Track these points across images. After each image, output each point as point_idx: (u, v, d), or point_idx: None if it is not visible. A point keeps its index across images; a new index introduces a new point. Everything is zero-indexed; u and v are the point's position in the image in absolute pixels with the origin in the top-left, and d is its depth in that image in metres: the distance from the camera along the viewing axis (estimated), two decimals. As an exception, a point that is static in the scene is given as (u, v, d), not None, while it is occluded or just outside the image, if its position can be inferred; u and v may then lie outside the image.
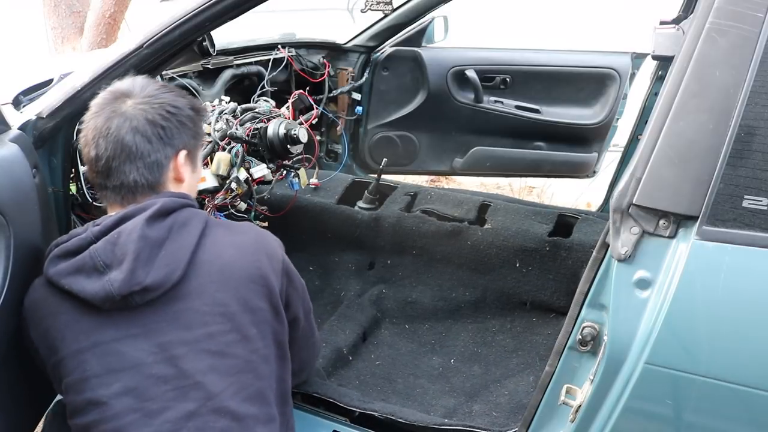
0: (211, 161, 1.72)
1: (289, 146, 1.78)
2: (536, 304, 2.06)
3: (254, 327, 1.14)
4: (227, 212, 1.80)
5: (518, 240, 2.07)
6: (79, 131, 1.52)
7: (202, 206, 1.66)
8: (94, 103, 1.15)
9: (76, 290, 1.07)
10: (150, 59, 1.39)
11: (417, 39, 2.83)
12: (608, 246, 1.08)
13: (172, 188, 1.17)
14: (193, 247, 1.10)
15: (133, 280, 1.05)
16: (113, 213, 1.12)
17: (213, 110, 1.82)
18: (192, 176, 1.22)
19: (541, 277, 2.05)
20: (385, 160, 2.40)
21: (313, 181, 2.38)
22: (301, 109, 2.13)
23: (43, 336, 1.13)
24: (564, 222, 2.19)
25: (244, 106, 1.88)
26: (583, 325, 1.14)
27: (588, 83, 2.73)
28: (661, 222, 1.03)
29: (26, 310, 1.17)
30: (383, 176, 2.44)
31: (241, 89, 2.35)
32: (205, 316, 1.10)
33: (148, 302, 1.08)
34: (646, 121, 1.08)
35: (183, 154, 1.16)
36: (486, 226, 2.15)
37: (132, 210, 1.09)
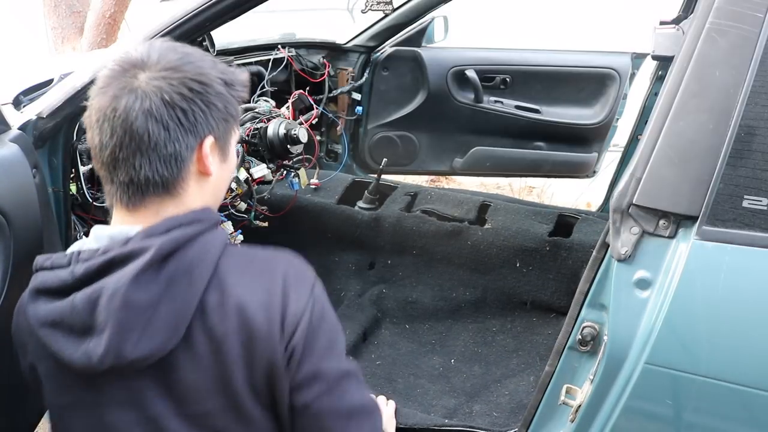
0: (211, 161, 1.72)
1: (289, 146, 1.79)
2: (536, 303, 2.06)
3: (259, 408, 0.91)
4: (227, 212, 1.80)
5: (518, 240, 2.07)
6: (80, 129, 1.53)
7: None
8: (101, 76, 0.90)
9: (55, 350, 0.88)
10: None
11: (417, 39, 2.83)
12: (608, 246, 1.08)
13: (195, 186, 0.92)
14: (194, 308, 0.86)
15: (115, 354, 0.84)
16: (110, 230, 0.90)
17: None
18: (222, 167, 0.96)
19: (542, 277, 2.05)
20: (385, 160, 2.40)
21: (314, 181, 2.38)
22: (301, 109, 2.13)
23: (30, 370, 0.99)
24: (564, 222, 2.19)
25: (244, 106, 1.88)
26: (583, 325, 1.15)
27: (588, 83, 2.73)
28: (661, 222, 1.03)
29: (14, 336, 0.99)
30: (383, 176, 2.44)
31: (241, 89, 2.34)
32: (204, 390, 0.89)
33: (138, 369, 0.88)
34: (646, 121, 1.08)
35: (209, 142, 0.90)
36: (486, 226, 2.15)
37: (119, 254, 0.85)
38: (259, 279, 0.90)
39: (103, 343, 0.84)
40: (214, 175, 0.94)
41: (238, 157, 1.70)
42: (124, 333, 0.83)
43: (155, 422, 0.90)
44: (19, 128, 1.34)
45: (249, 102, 1.98)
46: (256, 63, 2.39)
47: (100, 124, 0.87)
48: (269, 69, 2.38)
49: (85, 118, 0.92)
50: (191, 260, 0.87)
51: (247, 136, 1.76)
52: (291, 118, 1.90)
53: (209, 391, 0.89)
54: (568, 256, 2.02)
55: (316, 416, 0.91)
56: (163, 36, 1.36)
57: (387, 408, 1.41)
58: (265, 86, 2.30)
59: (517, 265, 2.07)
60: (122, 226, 0.90)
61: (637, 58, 2.71)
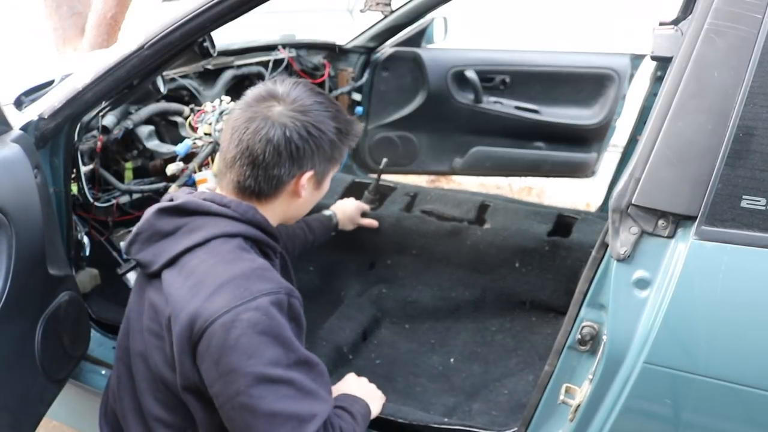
0: (212, 161, 1.72)
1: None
2: (536, 303, 2.06)
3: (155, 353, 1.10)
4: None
5: (518, 240, 2.08)
6: (83, 128, 1.54)
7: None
8: (249, 94, 1.16)
9: None
10: (151, 60, 1.39)
11: (417, 40, 2.84)
12: (607, 246, 1.08)
13: (284, 201, 1.17)
14: (176, 253, 1.09)
15: (129, 249, 1.16)
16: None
17: (213, 111, 1.83)
18: (313, 194, 1.20)
19: (541, 277, 2.05)
20: (385, 160, 2.40)
21: None
22: (301, 110, 2.13)
23: None
24: (563, 222, 2.20)
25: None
26: (583, 324, 1.15)
27: (587, 84, 2.74)
28: (660, 222, 1.03)
29: None
30: (383, 176, 2.45)
31: (242, 90, 2.30)
32: (154, 313, 1.11)
33: (149, 275, 1.13)
34: (645, 121, 1.09)
35: (308, 174, 1.14)
36: (485, 226, 2.16)
37: (170, 196, 1.18)
38: (222, 268, 1.05)
39: (128, 239, 1.17)
40: (302, 199, 1.18)
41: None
42: (138, 238, 1.14)
43: (134, 319, 1.17)
44: (21, 129, 1.34)
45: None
46: (257, 64, 2.40)
47: (233, 133, 1.12)
48: (270, 70, 2.39)
49: (225, 121, 1.21)
50: (198, 226, 1.10)
51: (248, 136, 1.76)
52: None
53: (156, 319, 1.09)
54: (567, 255, 2.02)
55: (222, 407, 1.03)
56: (163, 36, 1.36)
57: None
58: (266, 87, 2.31)
59: (517, 265, 2.08)
60: (210, 191, 1.19)
61: (636, 59, 2.72)
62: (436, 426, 1.48)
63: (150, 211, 1.14)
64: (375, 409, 1.32)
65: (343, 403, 1.21)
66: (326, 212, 1.95)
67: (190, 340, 1.01)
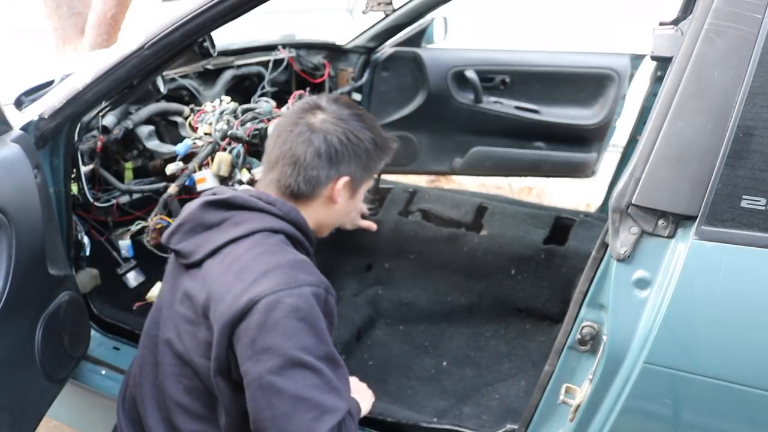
0: (212, 161, 1.72)
1: (289, 147, 1.79)
2: (530, 311, 2.06)
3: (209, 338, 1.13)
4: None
5: (514, 247, 2.09)
6: (83, 128, 1.54)
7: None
8: (296, 105, 1.26)
9: None
10: (151, 60, 1.39)
11: (417, 40, 2.83)
12: (607, 246, 1.08)
13: (320, 205, 1.23)
14: (220, 244, 1.14)
15: (169, 239, 1.20)
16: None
17: (213, 111, 1.83)
18: (348, 202, 1.27)
19: (536, 285, 2.05)
20: (385, 160, 2.40)
21: None
22: (301, 110, 2.13)
23: None
24: (561, 224, 2.20)
25: (244, 106, 1.89)
26: (583, 324, 1.15)
27: (587, 84, 2.73)
28: (660, 222, 1.03)
29: None
30: (383, 176, 2.45)
31: (242, 90, 2.35)
32: (188, 299, 1.15)
33: (185, 266, 1.18)
34: (645, 121, 1.09)
35: (344, 180, 1.20)
36: (483, 233, 2.16)
37: (217, 190, 1.22)
38: (268, 258, 1.11)
39: (170, 228, 1.21)
40: (338, 205, 1.24)
41: (240, 158, 1.72)
42: (180, 229, 1.18)
43: (165, 305, 1.21)
44: (21, 129, 1.34)
45: (249, 102, 1.99)
46: (257, 64, 2.40)
47: (278, 135, 1.20)
48: (270, 70, 2.38)
49: (274, 126, 1.30)
50: (243, 219, 1.15)
51: (248, 136, 1.76)
52: (291, 119, 1.90)
53: (191, 306, 1.13)
54: (562, 264, 2.02)
55: (249, 386, 1.05)
56: (163, 36, 1.36)
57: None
58: (266, 87, 2.31)
59: (512, 272, 2.09)
60: (253, 188, 1.26)
61: (636, 59, 2.72)
62: (425, 425, 1.48)
63: (195, 203, 1.19)
64: (365, 408, 1.35)
65: None
66: None
67: (231, 319, 1.05)
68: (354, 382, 1.42)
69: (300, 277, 1.09)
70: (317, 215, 1.25)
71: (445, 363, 1.91)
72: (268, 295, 1.04)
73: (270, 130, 1.26)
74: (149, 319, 1.28)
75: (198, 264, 1.16)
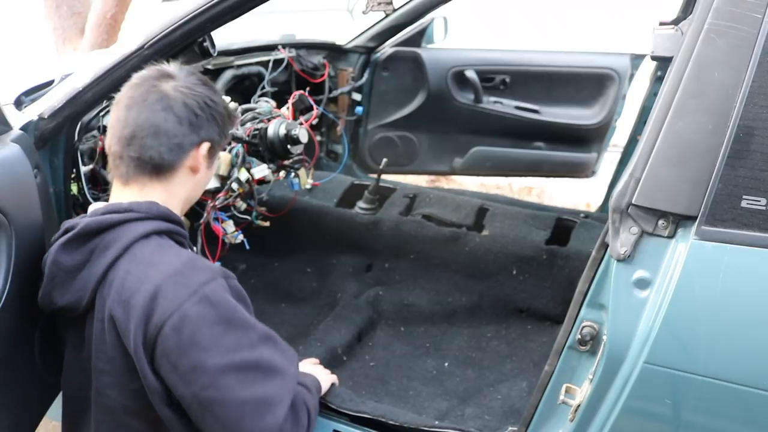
0: (212, 161, 1.72)
1: (289, 146, 1.79)
2: (532, 311, 2.06)
3: (133, 381, 1.06)
4: (230, 213, 1.80)
5: (515, 247, 2.08)
6: (83, 128, 1.54)
7: (202, 207, 1.61)
8: (137, 75, 1.17)
9: None
10: (151, 60, 1.39)
11: (417, 39, 2.84)
12: (607, 246, 1.08)
13: (183, 177, 1.16)
14: (98, 278, 1.06)
15: (49, 299, 1.11)
16: (110, 201, 1.15)
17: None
18: (206, 172, 1.21)
19: (537, 286, 2.05)
20: (385, 160, 2.40)
21: (311, 181, 2.38)
22: (301, 110, 2.13)
23: None
24: (562, 226, 2.19)
25: (244, 106, 1.89)
26: (583, 324, 1.15)
27: (587, 84, 2.73)
28: (660, 222, 1.03)
29: None
30: (383, 176, 2.45)
31: (242, 90, 2.35)
32: (97, 350, 1.08)
33: (79, 317, 1.11)
34: (645, 121, 1.08)
35: (206, 145, 1.16)
36: (484, 233, 2.16)
37: (69, 224, 1.12)
38: (152, 270, 1.04)
39: (43, 288, 1.12)
40: (199, 175, 1.18)
41: (239, 158, 1.72)
42: (55, 284, 1.10)
43: (86, 365, 1.11)
44: (21, 129, 1.34)
45: (249, 102, 1.99)
46: (257, 63, 2.39)
47: (129, 107, 1.11)
48: (269, 69, 2.38)
49: (114, 102, 1.16)
50: (110, 240, 1.07)
51: (248, 136, 1.76)
52: (291, 119, 1.90)
53: (99, 348, 1.07)
54: (564, 264, 2.02)
55: (189, 408, 1.03)
56: (163, 36, 1.36)
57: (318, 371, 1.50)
58: (266, 87, 2.31)
59: (514, 272, 2.08)
60: (103, 204, 1.15)
61: (636, 59, 2.72)
62: (427, 429, 1.48)
63: (52, 252, 1.10)
64: (324, 386, 1.43)
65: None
66: None
67: (145, 349, 1.01)
68: (308, 363, 1.50)
69: (192, 281, 1.02)
70: (182, 191, 1.18)
71: (446, 364, 1.90)
72: (170, 315, 0.98)
73: (119, 106, 1.14)
74: (69, 383, 1.21)
75: (90, 309, 1.09)
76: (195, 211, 1.67)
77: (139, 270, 1.04)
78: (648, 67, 2.56)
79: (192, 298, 1.00)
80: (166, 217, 1.13)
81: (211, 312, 1.01)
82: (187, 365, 0.99)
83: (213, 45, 1.71)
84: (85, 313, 1.09)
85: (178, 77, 1.15)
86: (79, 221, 1.10)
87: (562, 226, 2.19)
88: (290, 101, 1.96)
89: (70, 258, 1.08)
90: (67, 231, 1.11)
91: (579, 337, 1.15)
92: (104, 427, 1.11)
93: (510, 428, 1.39)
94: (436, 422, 1.53)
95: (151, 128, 1.10)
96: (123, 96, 1.14)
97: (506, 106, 2.77)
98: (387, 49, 2.79)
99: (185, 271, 1.04)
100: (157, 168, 1.12)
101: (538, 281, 2.05)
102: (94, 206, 1.16)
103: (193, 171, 1.17)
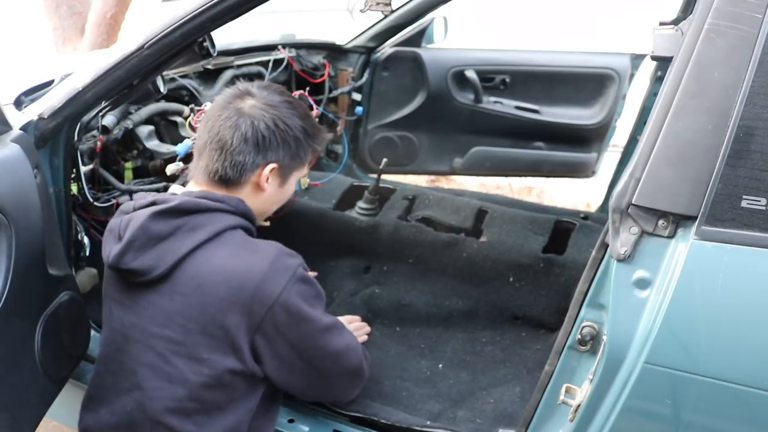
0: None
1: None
2: (527, 319, 2.06)
3: (207, 353, 1.14)
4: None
5: (513, 255, 2.08)
6: (83, 128, 1.54)
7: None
8: (226, 91, 1.26)
9: (104, 246, 1.21)
10: (151, 60, 1.39)
11: (417, 39, 2.84)
12: (607, 246, 1.08)
13: (249, 192, 1.23)
14: (185, 253, 1.13)
15: (121, 259, 1.14)
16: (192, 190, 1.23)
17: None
18: (276, 191, 1.27)
19: (534, 293, 2.05)
20: (385, 160, 2.40)
21: (310, 180, 2.37)
22: (301, 110, 2.13)
23: None
24: (561, 229, 2.19)
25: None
26: (583, 324, 1.15)
27: (587, 84, 2.74)
28: (660, 222, 1.03)
29: None
30: (383, 176, 2.45)
31: (242, 90, 2.35)
32: (167, 319, 1.14)
33: (142, 283, 1.16)
34: (645, 121, 1.08)
35: (271, 166, 1.21)
36: (482, 239, 2.16)
37: (160, 198, 1.18)
38: (247, 252, 1.15)
39: (118, 247, 1.14)
40: (266, 193, 1.24)
41: None
42: (132, 246, 1.13)
43: (128, 328, 1.18)
44: (21, 128, 1.34)
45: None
46: (257, 63, 2.40)
47: (207, 121, 1.21)
48: (269, 70, 2.38)
49: (204, 115, 1.27)
50: (199, 223, 1.14)
51: (248, 136, 1.76)
52: (291, 119, 1.90)
53: (173, 321, 1.13)
54: (561, 273, 2.02)
55: (292, 366, 1.21)
56: (163, 36, 1.36)
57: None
58: (266, 87, 2.31)
59: (511, 279, 2.08)
60: (181, 187, 1.25)
61: (636, 59, 2.72)
62: (418, 428, 1.48)
63: (141, 216, 1.14)
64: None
65: None
66: None
67: (249, 325, 1.12)
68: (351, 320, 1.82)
69: (289, 263, 1.16)
70: (250, 202, 1.24)
71: (440, 366, 1.90)
72: (279, 295, 1.12)
73: (203, 117, 1.24)
74: (108, 345, 1.24)
75: (162, 278, 1.13)
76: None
77: (241, 255, 1.14)
78: (648, 67, 2.57)
79: (292, 279, 1.15)
80: (249, 215, 1.22)
81: (307, 288, 1.18)
82: (297, 335, 1.17)
83: (213, 45, 1.71)
84: (153, 282, 1.15)
85: (257, 96, 1.21)
86: (170, 198, 1.17)
87: (560, 229, 2.19)
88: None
89: (157, 227, 1.13)
90: (153, 203, 1.17)
91: (579, 337, 1.15)
92: (161, 393, 1.16)
93: (501, 430, 1.40)
94: (427, 422, 1.53)
95: (218, 143, 1.18)
96: (209, 110, 1.25)
97: (506, 106, 2.77)
98: (387, 49, 2.80)
99: (281, 255, 1.16)
100: (221, 179, 1.20)
101: (534, 289, 2.05)
102: (176, 188, 1.25)
103: (259, 188, 1.23)
